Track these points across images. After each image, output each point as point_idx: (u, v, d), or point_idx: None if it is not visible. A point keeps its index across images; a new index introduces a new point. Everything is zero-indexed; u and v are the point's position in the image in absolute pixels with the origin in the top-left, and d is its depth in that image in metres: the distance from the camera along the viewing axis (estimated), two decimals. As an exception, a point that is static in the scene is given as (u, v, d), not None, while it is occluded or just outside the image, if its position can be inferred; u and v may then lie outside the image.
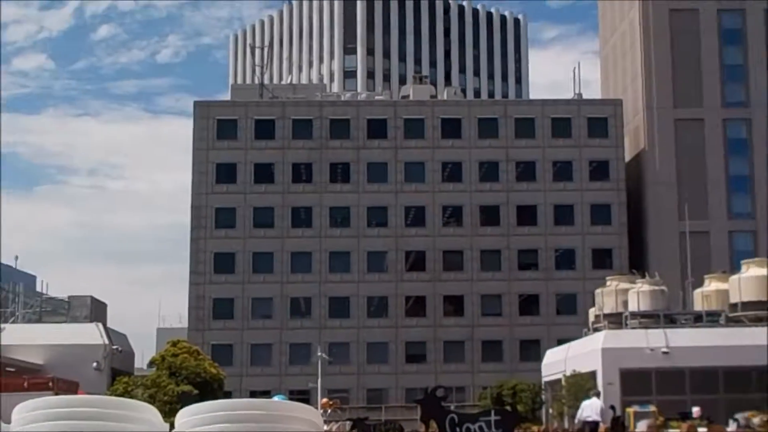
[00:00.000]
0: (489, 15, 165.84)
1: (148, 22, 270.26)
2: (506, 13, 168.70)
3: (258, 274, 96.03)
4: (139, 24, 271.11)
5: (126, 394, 58.79)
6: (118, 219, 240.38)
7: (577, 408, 45.15)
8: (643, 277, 69.83)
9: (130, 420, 10.16)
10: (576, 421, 43.21)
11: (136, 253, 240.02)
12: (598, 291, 70.85)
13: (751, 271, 65.25)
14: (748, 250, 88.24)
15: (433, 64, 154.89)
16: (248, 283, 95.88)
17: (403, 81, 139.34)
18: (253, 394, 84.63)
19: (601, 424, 41.56)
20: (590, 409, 40.97)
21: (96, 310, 76.67)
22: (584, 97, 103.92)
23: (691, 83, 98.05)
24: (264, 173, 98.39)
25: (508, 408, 62.97)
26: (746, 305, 63.17)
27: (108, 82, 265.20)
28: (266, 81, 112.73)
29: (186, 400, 58.12)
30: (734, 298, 64.09)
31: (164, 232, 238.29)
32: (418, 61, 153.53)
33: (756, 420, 48.08)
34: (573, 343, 68.59)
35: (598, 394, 40.77)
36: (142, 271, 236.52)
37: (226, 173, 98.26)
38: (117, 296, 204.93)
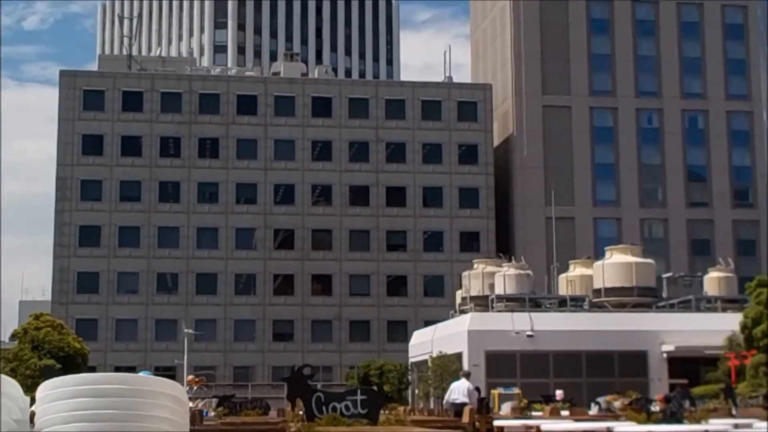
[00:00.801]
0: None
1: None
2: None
3: (124, 248, 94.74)
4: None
5: (-14, 367, 57.57)
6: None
7: (443, 389, 45.50)
8: (510, 260, 70.67)
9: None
10: (444, 402, 43.36)
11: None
12: (465, 273, 71.55)
13: (614, 257, 66.68)
14: (612, 237, 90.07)
15: (304, 41, 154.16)
16: (114, 257, 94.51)
17: (274, 58, 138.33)
18: (118, 370, 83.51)
19: (468, 406, 41.80)
20: (458, 391, 41.11)
21: (-45, 282, 74.80)
22: (455, 80, 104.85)
23: (560, 71, 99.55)
24: (131, 146, 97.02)
25: (375, 388, 63.29)
26: (609, 291, 64.57)
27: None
28: (135, 53, 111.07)
29: (48, 374, 57.10)
30: (598, 284, 65.41)
31: (27, 202, 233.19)
32: (289, 38, 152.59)
33: (617, 404, 48.95)
34: (440, 325, 69.20)
35: (467, 375, 40.98)
36: (3, 242, 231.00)
37: (93, 145, 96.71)
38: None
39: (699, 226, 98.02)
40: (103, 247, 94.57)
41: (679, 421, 25.29)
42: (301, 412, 18.83)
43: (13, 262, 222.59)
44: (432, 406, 57.78)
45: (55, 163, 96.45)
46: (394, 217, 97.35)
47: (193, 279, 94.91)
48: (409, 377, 71.65)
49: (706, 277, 68.69)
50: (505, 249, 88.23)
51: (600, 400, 50.07)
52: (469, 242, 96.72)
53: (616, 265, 65.59)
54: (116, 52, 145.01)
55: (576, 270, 69.47)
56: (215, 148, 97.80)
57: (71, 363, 60.67)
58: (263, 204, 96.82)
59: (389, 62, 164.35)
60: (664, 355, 59.42)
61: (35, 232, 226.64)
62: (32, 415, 10.71)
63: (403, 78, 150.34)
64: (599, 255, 73.02)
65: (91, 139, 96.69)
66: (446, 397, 41.71)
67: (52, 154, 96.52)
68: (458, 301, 72.39)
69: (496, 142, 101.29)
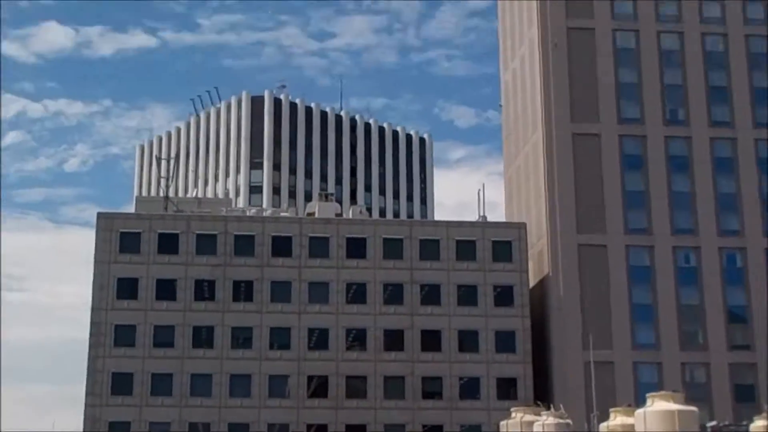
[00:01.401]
0: (395, 133, 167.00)
1: (58, 129, 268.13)
2: (412, 133, 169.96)
3: (156, 397, 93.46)
4: (48, 132, 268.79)
5: None
6: (14, 333, 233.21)
7: None
8: (548, 408, 69.19)
9: None
10: None
11: (28, 370, 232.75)
12: (503, 423, 70.07)
13: (656, 404, 64.80)
14: (653, 383, 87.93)
15: (338, 181, 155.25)
16: (146, 406, 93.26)
17: (308, 197, 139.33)
18: None
19: None
20: None
21: (-16, 434, 74.17)
22: (490, 218, 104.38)
23: (594, 208, 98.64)
24: (166, 289, 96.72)
25: None
26: (652, 441, 62.75)
27: (12, 189, 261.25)
28: (172, 193, 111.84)
29: None
30: (640, 434, 63.63)
31: (62, 348, 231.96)
32: (324, 178, 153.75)
33: None
34: (477, 477, 67.67)
35: None
36: (34, 390, 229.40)
37: (128, 288, 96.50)
38: (6, 418, 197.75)
39: (742, 371, 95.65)
40: (135, 395, 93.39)
41: None
42: None
43: (44, 412, 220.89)
44: None
45: (90, 308, 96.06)
46: (430, 363, 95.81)
47: (225, 429, 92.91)
48: None
49: (752, 426, 66.71)
50: (543, 395, 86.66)
51: None
52: (507, 389, 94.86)
53: (658, 414, 63.68)
54: (153, 193, 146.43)
55: (617, 419, 67.63)
56: (249, 291, 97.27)
57: None
58: (297, 349, 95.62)
59: (423, 201, 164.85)
60: None
61: (67, 380, 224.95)
62: None
63: (437, 216, 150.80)
64: (640, 401, 71.06)
65: (127, 283, 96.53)
66: None
67: (87, 299, 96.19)
68: (497, 451, 70.81)
69: (531, 282, 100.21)
